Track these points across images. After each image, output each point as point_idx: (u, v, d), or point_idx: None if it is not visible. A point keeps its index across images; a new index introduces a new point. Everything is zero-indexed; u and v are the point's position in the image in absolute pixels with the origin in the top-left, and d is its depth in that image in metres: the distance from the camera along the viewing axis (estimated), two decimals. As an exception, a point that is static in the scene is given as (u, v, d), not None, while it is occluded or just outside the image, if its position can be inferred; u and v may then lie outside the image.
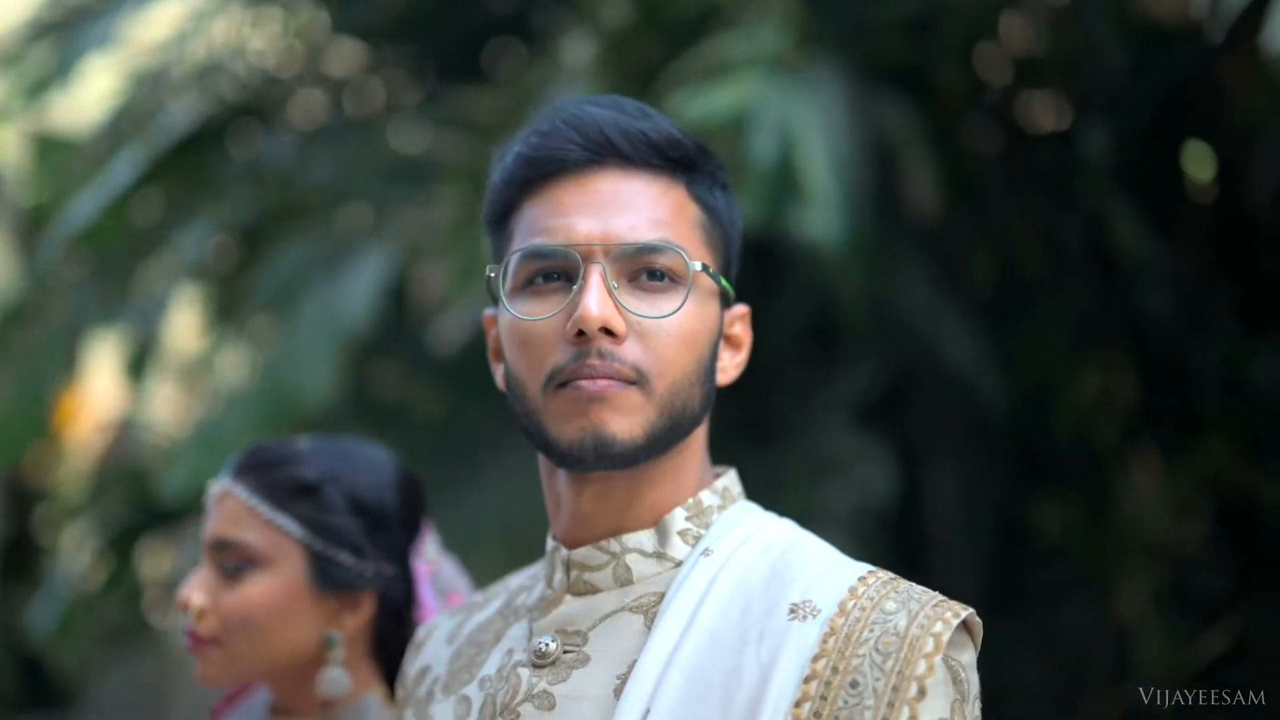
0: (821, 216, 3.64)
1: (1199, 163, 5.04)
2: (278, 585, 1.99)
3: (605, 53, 4.11)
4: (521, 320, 1.60)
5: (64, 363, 4.99)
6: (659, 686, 1.51)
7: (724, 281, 1.67)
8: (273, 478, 2.01)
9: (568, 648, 1.61)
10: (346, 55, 5.41)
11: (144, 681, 7.48)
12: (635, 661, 1.56)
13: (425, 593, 2.07)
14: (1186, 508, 4.62)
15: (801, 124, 3.72)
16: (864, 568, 1.60)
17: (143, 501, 5.70)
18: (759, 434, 4.49)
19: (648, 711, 1.50)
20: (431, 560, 2.10)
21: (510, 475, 4.51)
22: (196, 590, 2.01)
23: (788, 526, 1.69)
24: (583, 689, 1.57)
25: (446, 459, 4.61)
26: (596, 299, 1.55)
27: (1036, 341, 4.62)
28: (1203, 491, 4.61)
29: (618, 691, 1.55)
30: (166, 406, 6.76)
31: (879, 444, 4.42)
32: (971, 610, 1.54)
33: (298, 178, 4.87)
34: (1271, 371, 4.58)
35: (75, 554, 5.93)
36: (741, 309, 1.72)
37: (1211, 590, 4.66)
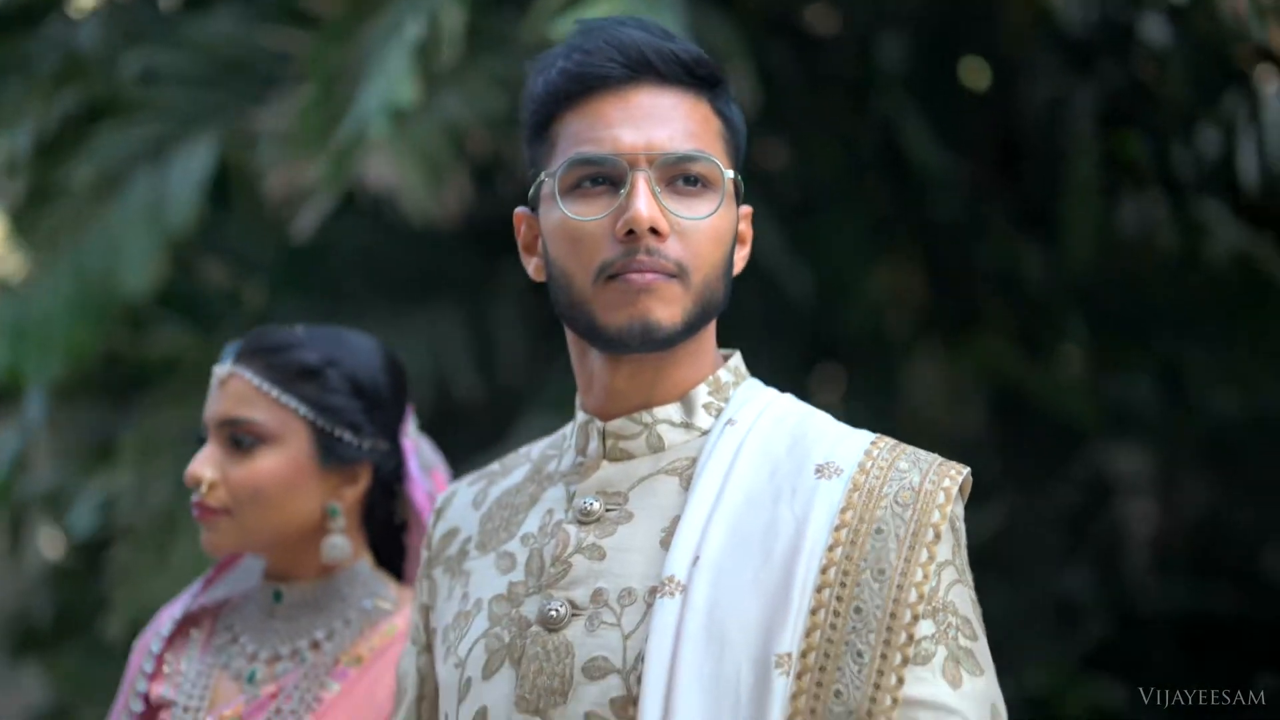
0: None
1: (976, 75, 5.39)
2: (286, 460, 2.14)
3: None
4: (573, 219, 1.78)
5: None
6: (704, 537, 1.73)
7: (742, 186, 1.87)
8: (278, 361, 2.15)
9: (610, 507, 1.80)
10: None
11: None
12: (676, 517, 1.76)
13: (412, 467, 2.24)
14: (964, 397, 5.02)
15: None
16: (869, 434, 1.84)
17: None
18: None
19: (696, 559, 1.71)
20: (413, 438, 2.27)
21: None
22: (206, 465, 2.14)
23: (791, 399, 1.91)
24: (630, 542, 1.77)
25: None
26: (645, 202, 1.75)
27: (833, 240, 4.92)
28: (979, 382, 5.01)
29: (663, 543, 1.75)
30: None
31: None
32: (968, 470, 1.80)
33: (113, 67, 4.84)
34: (1040, 272, 4.98)
35: None
36: (746, 209, 1.93)
37: (986, 474, 5.06)
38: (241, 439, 2.14)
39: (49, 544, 5.47)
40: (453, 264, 4.70)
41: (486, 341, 4.57)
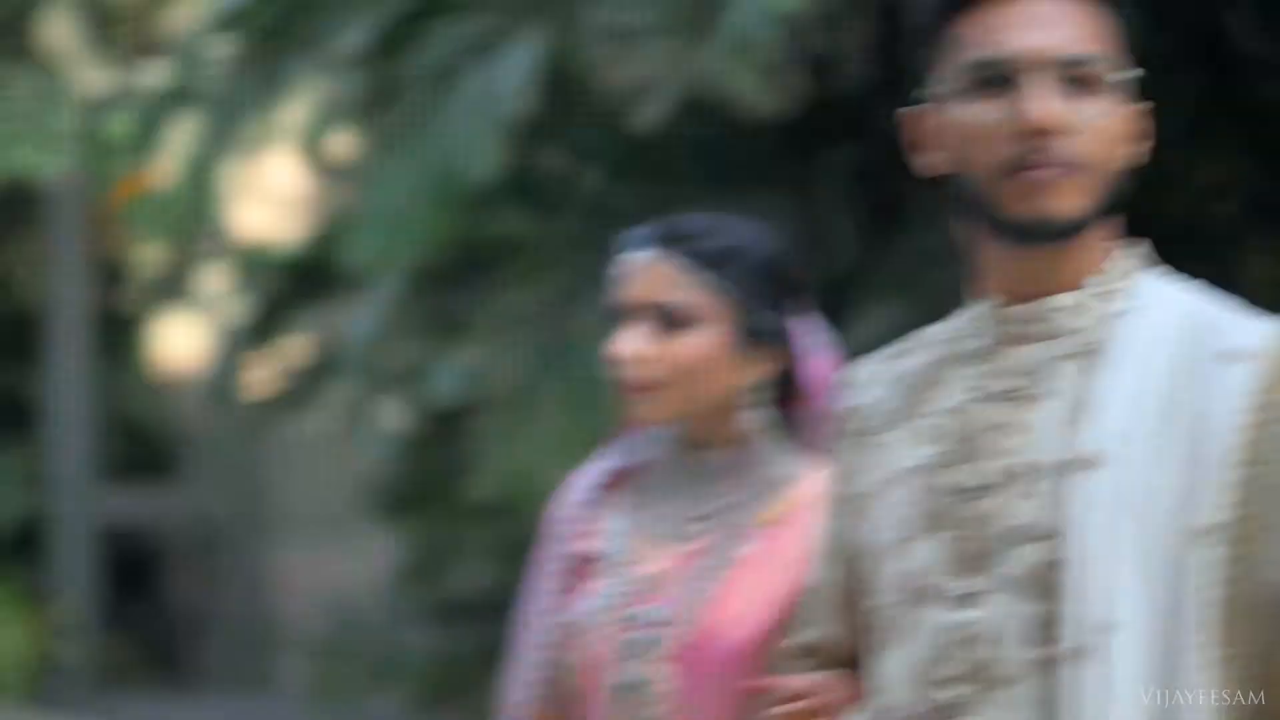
0: None
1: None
2: (711, 339, 2.35)
3: None
4: (971, 120, 1.93)
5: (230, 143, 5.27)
6: (1112, 416, 1.87)
7: (1134, 84, 2.00)
8: (699, 247, 2.36)
9: (1017, 387, 1.96)
10: None
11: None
12: (1081, 398, 1.91)
13: (811, 344, 2.44)
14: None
15: None
16: (1270, 322, 1.95)
17: (279, 276, 6.05)
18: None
19: (1108, 435, 1.86)
20: (809, 318, 2.47)
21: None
22: (638, 343, 2.36)
23: (1184, 287, 2.03)
24: (1038, 420, 1.92)
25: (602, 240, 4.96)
26: (1042, 103, 1.89)
27: (1151, 129, 4.91)
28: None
29: (1071, 422, 1.90)
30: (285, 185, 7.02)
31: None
32: None
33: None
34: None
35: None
36: (1141, 105, 2.04)
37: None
38: (670, 319, 2.35)
39: (395, 417, 5.85)
40: (782, 153, 4.86)
41: (817, 230, 4.74)
